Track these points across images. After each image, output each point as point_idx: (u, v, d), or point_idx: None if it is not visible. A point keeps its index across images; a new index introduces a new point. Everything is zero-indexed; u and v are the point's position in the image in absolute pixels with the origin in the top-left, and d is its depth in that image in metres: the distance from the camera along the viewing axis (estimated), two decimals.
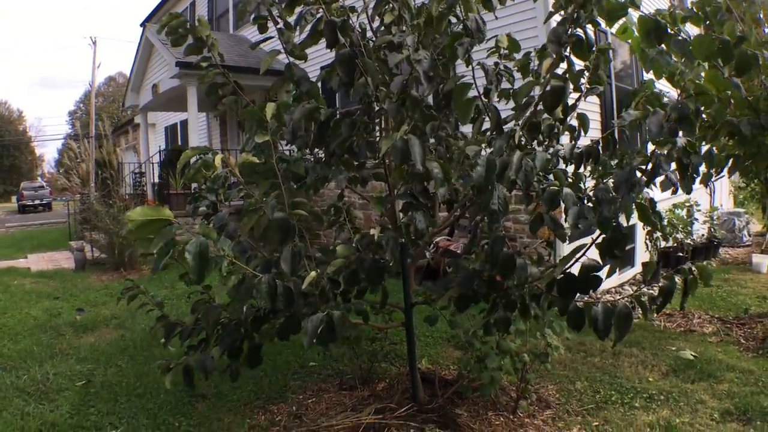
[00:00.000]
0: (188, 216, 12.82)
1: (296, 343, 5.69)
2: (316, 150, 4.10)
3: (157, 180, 15.85)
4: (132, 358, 6.47)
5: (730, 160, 5.05)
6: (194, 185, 13.79)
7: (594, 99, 8.20)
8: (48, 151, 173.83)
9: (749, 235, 14.67)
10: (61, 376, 5.99)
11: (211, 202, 4.11)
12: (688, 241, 11.46)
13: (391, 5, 4.07)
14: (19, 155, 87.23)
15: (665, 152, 3.14)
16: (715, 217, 13.35)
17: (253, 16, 4.19)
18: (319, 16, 3.74)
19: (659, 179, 3.19)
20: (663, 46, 4.13)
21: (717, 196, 15.62)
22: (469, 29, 3.95)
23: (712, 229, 13.13)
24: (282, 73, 4.15)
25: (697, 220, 11.88)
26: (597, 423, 4.53)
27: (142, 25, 26.36)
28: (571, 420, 4.57)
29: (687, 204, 11.52)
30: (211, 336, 3.92)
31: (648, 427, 4.47)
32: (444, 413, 4.46)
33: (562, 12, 3.41)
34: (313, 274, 3.09)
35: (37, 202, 45.31)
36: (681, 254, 10.86)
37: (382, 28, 4.19)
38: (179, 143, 22.37)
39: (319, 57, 4.49)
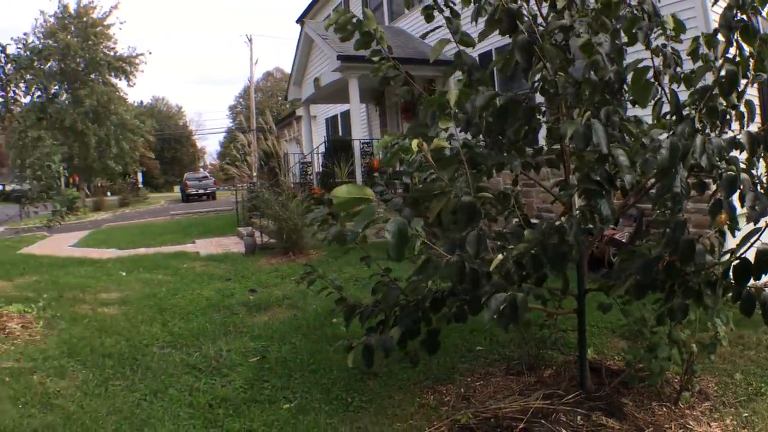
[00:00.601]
0: None
1: (465, 327, 5.78)
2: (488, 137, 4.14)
3: (320, 169, 16.33)
4: (305, 336, 6.69)
5: None
6: (359, 173, 14.23)
7: (752, 89, 7.93)
8: (209, 144, 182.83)
9: None
10: (235, 353, 6.25)
11: (405, 185, 4.22)
12: None
13: None
14: (180, 148, 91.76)
15: None
16: None
17: (420, 5, 4.26)
18: (496, 4, 3.77)
19: None
20: None
21: None
22: (647, 12, 3.90)
23: None
24: (444, 62, 4.23)
25: None
26: (747, 414, 4.39)
27: (299, 21, 27.20)
28: (725, 411, 4.44)
29: None
30: (390, 317, 4.06)
31: None
32: (610, 401, 4.42)
33: None
34: (499, 256, 3.16)
35: (201, 191, 47.38)
36: None
37: (552, 13, 4.18)
38: (340, 134, 22.93)
39: (478, 44, 4.52)
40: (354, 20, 4.20)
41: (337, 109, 23.73)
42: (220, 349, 6.39)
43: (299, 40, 18.14)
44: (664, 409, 4.44)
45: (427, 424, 4.37)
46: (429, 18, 4.24)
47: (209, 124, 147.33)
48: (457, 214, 3.15)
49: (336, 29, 4.23)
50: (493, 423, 4.23)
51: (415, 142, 3.15)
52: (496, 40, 3.75)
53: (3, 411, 5.03)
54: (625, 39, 3.98)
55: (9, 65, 7.85)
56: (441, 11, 4.17)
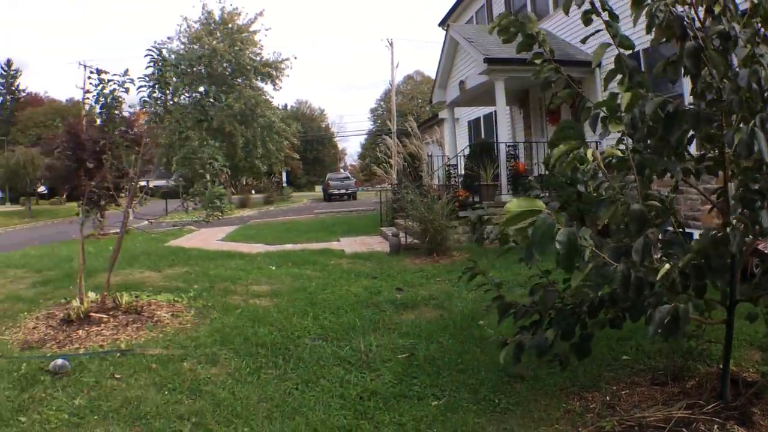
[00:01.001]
0: (497, 206, 13.24)
1: (611, 335, 5.73)
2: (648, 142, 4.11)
3: (463, 172, 16.41)
4: (452, 336, 6.74)
5: None
6: (504, 177, 14.22)
7: None
8: (349, 146, 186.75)
9: None
10: (384, 349, 6.40)
11: (578, 193, 4.24)
12: None
13: None
14: (322, 149, 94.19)
15: None
16: None
17: (581, 10, 4.27)
18: (665, 11, 3.76)
19: None
20: None
21: None
22: None
23: None
24: (587, 64, 4.24)
25: None
26: None
27: (441, 25, 27.43)
28: None
29: None
30: (545, 318, 4.11)
31: None
32: (744, 411, 4.36)
33: None
34: (666, 266, 3.17)
35: (342, 191, 48.50)
36: None
37: (710, 17, 4.11)
38: (482, 136, 22.93)
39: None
40: (517, 23, 4.28)
41: (479, 111, 23.74)
42: (369, 344, 6.57)
43: (444, 43, 18.25)
44: None
45: (572, 430, 4.39)
46: (587, 22, 4.25)
47: (350, 126, 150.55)
48: (626, 221, 3.18)
49: (499, 32, 4.32)
50: (637, 431, 4.24)
51: (590, 152, 3.20)
52: (644, 41, 3.72)
53: (147, 397, 5.29)
54: None
55: (168, 69, 8.34)
56: (598, 14, 4.18)
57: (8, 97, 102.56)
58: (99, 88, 8.37)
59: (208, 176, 8.56)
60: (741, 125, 3.37)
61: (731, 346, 4.46)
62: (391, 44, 49.04)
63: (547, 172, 13.75)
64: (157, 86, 8.31)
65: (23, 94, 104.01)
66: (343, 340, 6.78)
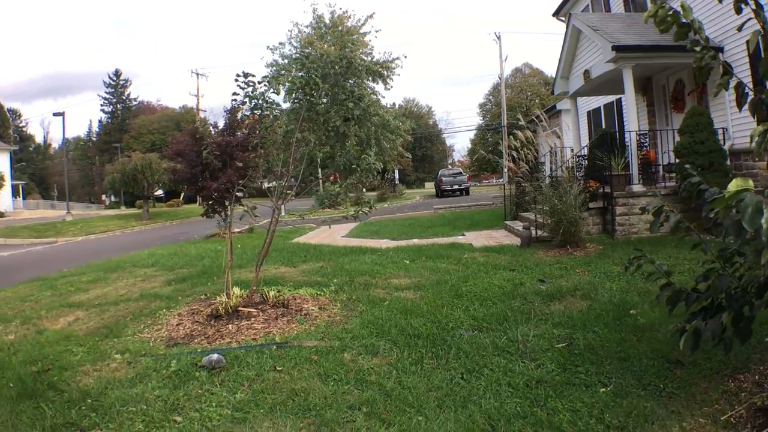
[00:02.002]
0: (628, 196, 13.13)
1: (758, 319, 5.74)
2: None
3: (588, 162, 16.25)
4: (606, 325, 6.75)
5: None
6: (634, 166, 14.03)
7: None
8: (457, 142, 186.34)
9: None
10: (540, 338, 6.50)
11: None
12: None
13: None
14: (431, 146, 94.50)
15: None
16: None
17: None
18: None
19: None
20: None
21: None
22: None
23: None
24: (712, 49, 4.25)
25: None
26: None
27: (555, 15, 27.12)
28: None
29: None
30: (715, 302, 4.17)
31: None
32: None
33: None
34: None
35: (455, 187, 48.66)
36: None
37: None
38: (602, 126, 22.58)
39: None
40: (674, 12, 4.36)
41: (599, 101, 23.34)
42: (525, 334, 6.67)
43: (566, 33, 18.00)
44: None
45: (729, 408, 4.49)
46: (738, 10, 4.28)
47: (457, 123, 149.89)
48: None
49: (656, 21, 4.39)
50: None
51: None
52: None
53: (314, 388, 5.48)
54: None
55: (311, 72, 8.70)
56: (747, 4, 4.21)
57: (119, 106, 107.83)
58: (249, 89, 8.77)
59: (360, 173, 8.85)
60: None
61: None
62: (498, 37, 48.87)
63: (677, 161, 13.57)
64: (305, 88, 8.66)
65: (134, 103, 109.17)
66: (497, 331, 6.88)
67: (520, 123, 19.92)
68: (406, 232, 18.89)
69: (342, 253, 14.17)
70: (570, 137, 21.03)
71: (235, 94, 8.88)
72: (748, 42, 4.21)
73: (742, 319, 4.11)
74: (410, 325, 7.22)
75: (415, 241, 16.08)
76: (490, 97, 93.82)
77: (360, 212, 9.49)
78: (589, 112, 25.18)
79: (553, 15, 27.82)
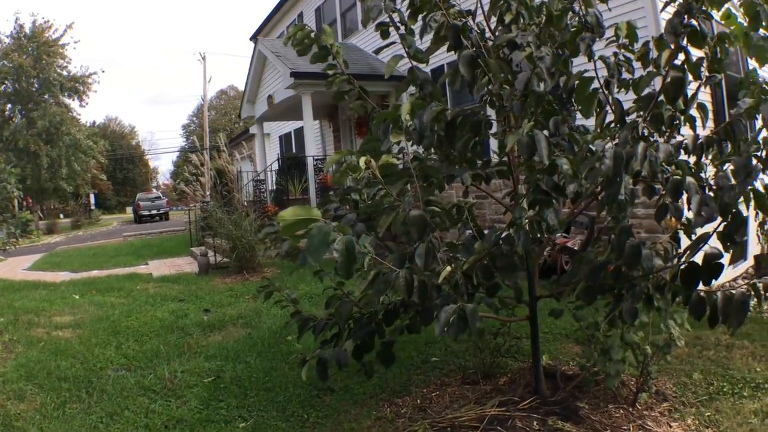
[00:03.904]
0: None
1: (419, 339, 5.85)
2: (439, 150, 4.18)
3: (274, 187, 16.31)
4: (260, 354, 6.67)
5: None
6: (312, 191, 14.24)
7: (705, 89, 8.09)
8: (162, 164, 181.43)
9: None
10: (189, 374, 6.24)
11: (354, 201, 4.23)
12: None
13: (508, 4, 4.12)
14: (133, 168, 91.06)
15: None
16: None
17: (376, 23, 4.30)
18: (441, 21, 3.84)
19: None
20: (763, 32, 4.04)
21: None
22: (589, 24, 3.97)
23: None
24: (396, 78, 4.28)
25: None
26: (709, 413, 4.48)
27: (252, 39, 27.24)
28: (686, 411, 4.53)
29: None
30: (344, 330, 4.08)
31: (753, 414, 4.43)
32: (566, 406, 4.49)
33: (674, 4, 3.43)
34: (448, 268, 3.20)
35: (154, 212, 47.11)
36: None
37: (500, 27, 4.24)
38: (293, 151, 22.91)
39: (432, 59, 4.56)
40: (312, 35, 4.24)
41: (290, 126, 23.73)
42: (174, 370, 6.38)
43: (253, 57, 18.10)
44: (621, 411, 4.50)
45: None
46: (384, 35, 4.26)
47: (162, 144, 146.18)
48: (407, 227, 3.19)
49: (294, 43, 4.26)
50: None
51: (362, 159, 3.19)
52: (449, 55, 3.79)
53: None
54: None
55: None
56: (397, 28, 4.21)
57: None
58: None
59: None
60: (521, 129, 3.45)
61: (538, 341, 4.61)
62: (203, 58, 47.89)
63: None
64: None
65: None
66: (147, 369, 6.56)
67: (219, 146, 19.51)
68: (89, 262, 17.76)
69: (16, 289, 13.00)
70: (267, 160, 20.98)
71: None
72: (387, 66, 4.16)
73: (373, 345, 4.05)
74: (58, 367, 6.68)
75: (95, 272, 15.14)
76: (194, 119, 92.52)
77: (9, 244, 8.55)
78: (281, 137, 25.51)
79: (250, 39, 27.90)
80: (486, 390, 5.05)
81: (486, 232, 3.85)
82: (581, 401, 4.64)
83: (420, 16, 4.01)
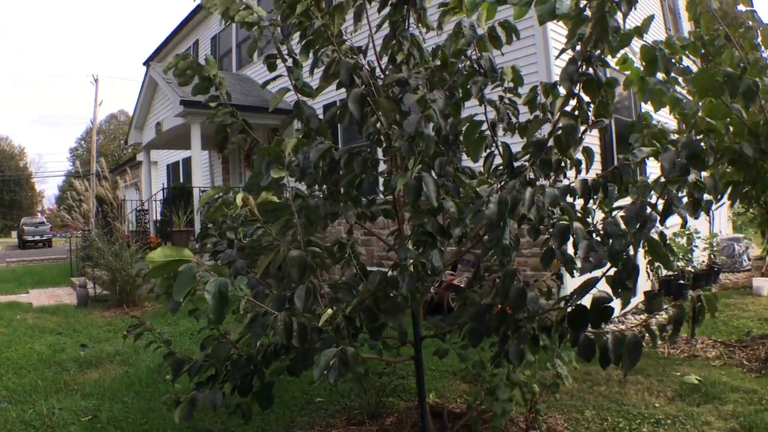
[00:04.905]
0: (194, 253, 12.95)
1: (303, 379, 5.70)
2: (324, 187, 4.12)
3: (159, 217, 15.90)
4: (137, 394, 6.47)
5: (729, 188, 5.06)
6: (198, 222, 13.91)
7: (594, 131, 8.30)
8: (48, 188, 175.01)
9: (749, 260, 14.86)
10: (67, 411, 6.02)
11: (230, 240, 4.10)
12: (689, 268, 11.55)
13: (400, 43, 4.11)
14: (20, 191, 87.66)
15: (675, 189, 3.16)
16: (714, 244, 13.49)
17: (262, 54, 4.23)
18: (333, 57, 3.78)
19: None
20: (661, 76, 4.16)
21: (716, 223, 15.80)
22: (483, 68, 3.98)
23: (712, 256, 13.34)
24: (287, 112, 4.19)
25: (697, 247, 12.03)
26: None
27: (146, 63, 26.67)
28: None
29: (687, 232, 11.62)
30: (221, 372, 3.93)
31: None
32: None
33: (571, 51, 3.45)
34: (329, 311, 3.11)
35: (37, 238, 45.73)
36: (682, 282, 10.92)
37: (391, 66, 4.22)
38: (181, 180, 22.45)
39: (322, 95, 4.50)
40: (195, 65, 4.10)
41: (179, 155, 23.27)
42: (52, 407, 6.15)
43: (144, 82, 17.71)
44: None
45: None
46: (271, 67, 4.16)
47: (50, 167, 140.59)
48: (285, 268, 3.09)
49: (176, 73, 4.11)
50: None
51: (239, 196, 3.08)
52: (342, 91, 3.72)
53: None
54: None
55: None
56: (284, 60, 4.12)
57: None
58: None
59: None
60: (404, 171, 3.41)
61: (423, 381, 4.53)
62: (96, 80, 46.58)
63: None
64: None
65: None
66: (26, 403, 6.32)
67: (103, 173, 18.88)
68: None
69: None
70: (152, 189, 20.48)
71: None
72: (272, 99, 4.08)
73: (252, 387, 3.91)
74: None
75: None
76: (82, 142, 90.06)
77: None
78: (169, 165, 25.02)
79: (144, 64, 27.32)
80: (372, 431, 4.99)
81: (371, 270, 3.79)
82: None
83: (311, 51, 3.94)
